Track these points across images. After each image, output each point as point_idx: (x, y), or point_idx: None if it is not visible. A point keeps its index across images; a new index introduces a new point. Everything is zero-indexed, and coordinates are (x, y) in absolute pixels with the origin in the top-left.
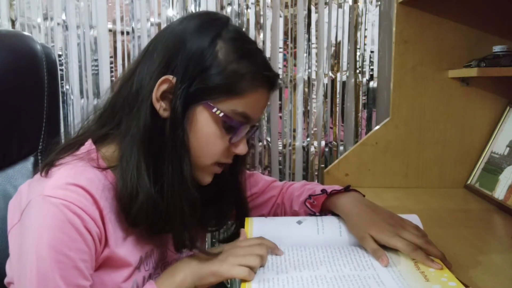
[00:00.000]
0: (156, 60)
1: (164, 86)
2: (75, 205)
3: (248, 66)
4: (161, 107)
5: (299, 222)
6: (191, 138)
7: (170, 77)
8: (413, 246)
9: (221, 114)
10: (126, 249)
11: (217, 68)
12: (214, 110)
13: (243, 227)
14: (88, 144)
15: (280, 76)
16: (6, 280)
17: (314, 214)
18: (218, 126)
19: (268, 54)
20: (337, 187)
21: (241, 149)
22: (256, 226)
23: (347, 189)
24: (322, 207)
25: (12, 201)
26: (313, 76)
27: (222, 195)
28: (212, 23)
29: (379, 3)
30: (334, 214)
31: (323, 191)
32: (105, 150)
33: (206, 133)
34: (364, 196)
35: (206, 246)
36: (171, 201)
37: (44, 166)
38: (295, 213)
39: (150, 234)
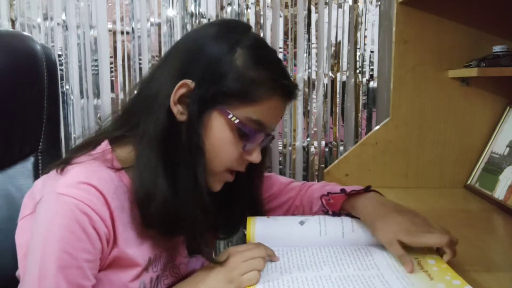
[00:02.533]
0: (175, 65)
1: (182, 90)
2: (85, 204)
3: (265, 74)
4: (178, 110)
5: (302, 223)
6: (206, 143)
7: (189, 81)
8: (447, 237)
9: (236, 121)
10: (135, 249)
11: (234, 75)
12: (230, 116)
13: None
14: (104, 144)
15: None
16: (17, 273)
17: (327, 212)
18: (232, 132)
19: None
20: (357, 187)
21: (255, 157)
22: (258, 226)
23: (367, 189)
24: (341, 208)
25: (27, 195)
26: (313, 76)
27: (235, 202)
28: (231, 31)
29: (379, 3)
30: (350, 215)
31: (343, 190)
32: (121, 151)
33: (220, 139)
34: (382, 195)
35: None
36: (185, 206)
37: (60, 163)
38: (315, 215)
39: (163, 236)
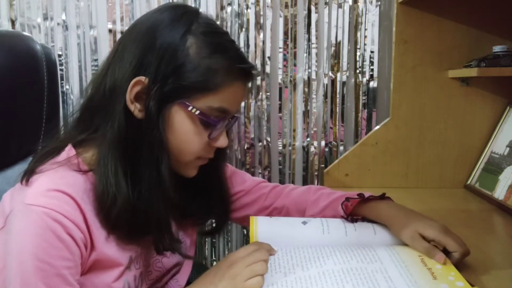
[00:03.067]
0: (127, 60)
1: (137, 88)
2: (56, 212)
3: (221, 61)
4: (136, 108)
5: (304, 223)
6: (169, 137)
7: (143, 78)
8: (465, 247)
9: (197, 112)
10: (114, 249)
11: (189, 66)
12: (190, 108)
13: (225, 221)
14: (68, 149)
15: (280, 76)
16: None
17: (345, 218)
18: (195, 123)
19: (268, 54)
20: (367, 194)
21: (222, 142)
22: (261, 226)
23: (382, 196)
24: (352, 211)
25: None
26: (313, 76)
27: (207, 189)
28: (181, 18)
29: (379, 3)
30: (365, 219)
31: (360, 195)
32: (85, 153)
33: (184, 132)
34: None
35: (205, 249)
36: (150, 204)
37: (25, 174)
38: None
39: (129, 239)
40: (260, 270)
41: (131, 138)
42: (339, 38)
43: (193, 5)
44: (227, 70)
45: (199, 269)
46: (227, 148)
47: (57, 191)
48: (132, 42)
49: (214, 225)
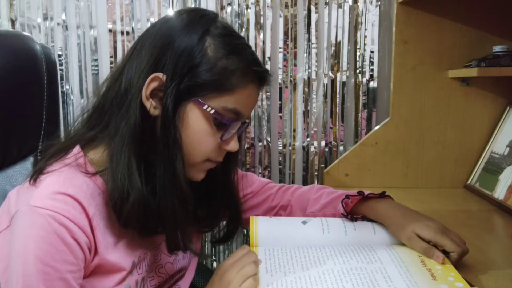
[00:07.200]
0: (144, 58)
1: (154, 84)
2: (62, 216)
3: (237, 62)
4: (151, 105)
5: (304, 222)
6: (183, 136)
7: (160, 74)
8: (462, 247)
9: (212, 111)
10: (117, 254)
11: (206, 65)
12: (205, 107)
13: (237, 228)
14: (76, 149)
15: (280, 76)
16: None
17: (345, 216)
18: (209, 123)
19: (268, 54)
20: (367, 192)
21: (232, 146)
22: (261, 226)
23: (382, 194)
24: (352, 210)
25: (1, 208)
26: (313, 76)
27: (214, 195)
28: (200, 20)
29: (379, 3)
30: (365, 218)
31: (360, 193)
32: (93, 153)
33: (197, 130)
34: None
35: (205, 249)
36: (163, 201)
37: (33, 173)
38: (311, 216)
39: (142, 237)
40: (250, 271)
41: (145, 135)
42: (339, 38)
43: (193, 5)
44: (243, 72)
45: (199, 270)
46: (239, 153)
47: (63, 194)
48: (150, 42)
49: (225, 231)
